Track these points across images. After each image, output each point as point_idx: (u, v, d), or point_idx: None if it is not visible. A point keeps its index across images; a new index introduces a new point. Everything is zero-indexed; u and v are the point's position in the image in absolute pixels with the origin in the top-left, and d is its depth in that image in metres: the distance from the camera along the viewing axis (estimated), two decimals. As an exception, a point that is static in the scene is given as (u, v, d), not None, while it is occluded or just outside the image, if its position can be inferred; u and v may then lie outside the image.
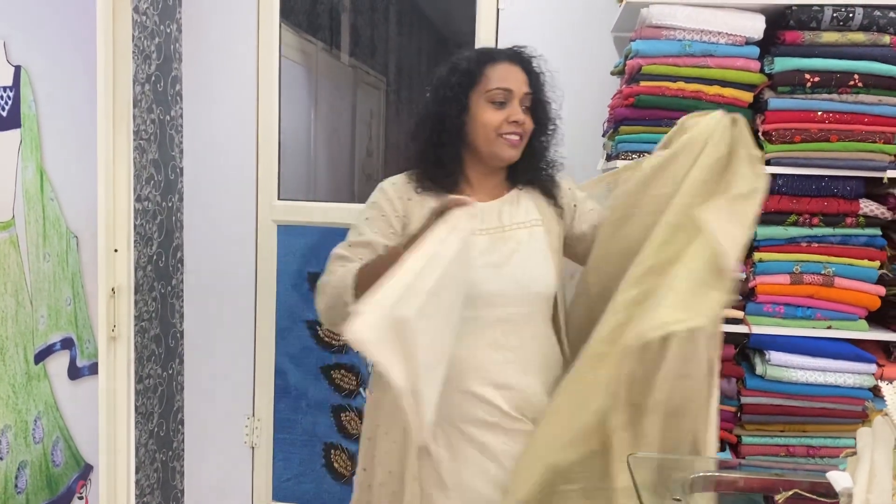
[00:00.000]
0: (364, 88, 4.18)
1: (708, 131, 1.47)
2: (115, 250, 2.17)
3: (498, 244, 1.55)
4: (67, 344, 1.93)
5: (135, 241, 2.31)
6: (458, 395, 1.48)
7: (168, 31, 2.52)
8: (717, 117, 1.49)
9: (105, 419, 2.10)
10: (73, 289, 1.95)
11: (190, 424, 2.76)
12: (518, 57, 1.57)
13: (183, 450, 2.77)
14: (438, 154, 1.56)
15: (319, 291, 1.50)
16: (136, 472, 2.39)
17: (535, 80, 1.57)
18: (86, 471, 2.03)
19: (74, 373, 1.97)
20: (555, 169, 1.67)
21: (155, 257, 2.50)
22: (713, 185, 1.44)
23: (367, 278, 1.33)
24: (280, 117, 2.64)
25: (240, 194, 2.64)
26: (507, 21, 2.45)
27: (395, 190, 1.58)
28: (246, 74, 2.60)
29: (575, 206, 1.68)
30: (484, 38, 2.47)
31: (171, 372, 2.65)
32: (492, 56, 1.56)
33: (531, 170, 1.62)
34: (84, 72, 1.92)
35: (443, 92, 1.55)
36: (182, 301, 2.70)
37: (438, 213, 1.33)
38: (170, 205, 2.59)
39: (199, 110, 2.63)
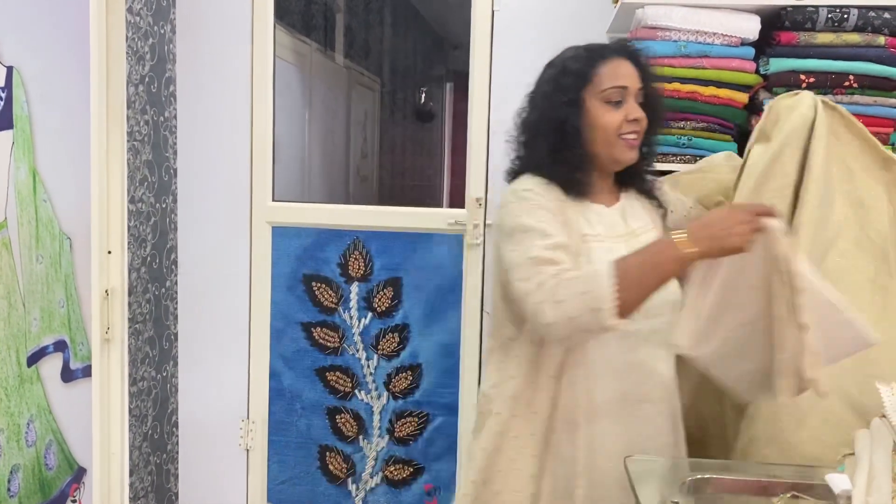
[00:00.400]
0: (358, 90, 4.18)
1: (806, 121, 1.53)
2: (109, 252, 2.16)
3: (634, 249, 1.42)
4: (60, 346, 1.92)
5: (128, 243, 2.30)
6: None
7: (162, 31, 2.51)
8: (809, 103, 1.55)
9: (99, 422, 2.09)
10: (66, 291, 1.94)
11: (184, 427, 2.75)
12: (627, 51, 1.50)
13: (177, 452, 2.75)
14: (564, 160, 1.46)
15: (550, 301, 1.29)
16: (130, 476, 2.38)
17: (645, 73, 1.50)
18: (79, 474, 2.02)
19: (68, 375, 1.96)
20: (655, 172, 1.62)
21: (149, 259, 2.49)
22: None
23: (630, 276, 1.25)
24: (274, 118, 2.63)
25: (234, 195, 2.63)
26: (502, 22, 2.45)
27: (544, 191, 1.46)
28: (240, 75, 2.59)
29: (671, 210, 1.62)
30: (479, 39, 2.46)
31: (165, 374, 2.64)
32: (601, 53, 1.48)
33: (642, 171, 1.56)
34: (77, 72, 1.90)
35: (556, 96, 1.47)
36: (176, 303, 2.69)
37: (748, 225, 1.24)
38: (163, 206, 2.57)
39: (193, 111, 2.62)
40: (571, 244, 1.40)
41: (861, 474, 0.84)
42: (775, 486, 1.07)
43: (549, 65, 1.55)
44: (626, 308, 1.25)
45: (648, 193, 1.59)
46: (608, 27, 2.27)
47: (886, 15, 1.82)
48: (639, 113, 1.45)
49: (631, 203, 1.56)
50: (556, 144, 1.47)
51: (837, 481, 0.89)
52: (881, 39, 1.82)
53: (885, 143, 1.85)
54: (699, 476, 1.13)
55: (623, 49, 1.51)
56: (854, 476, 0.85)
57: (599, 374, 1.42)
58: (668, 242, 1.26)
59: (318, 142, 3.68)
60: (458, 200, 2.55)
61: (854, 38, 1.83)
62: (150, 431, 2.56)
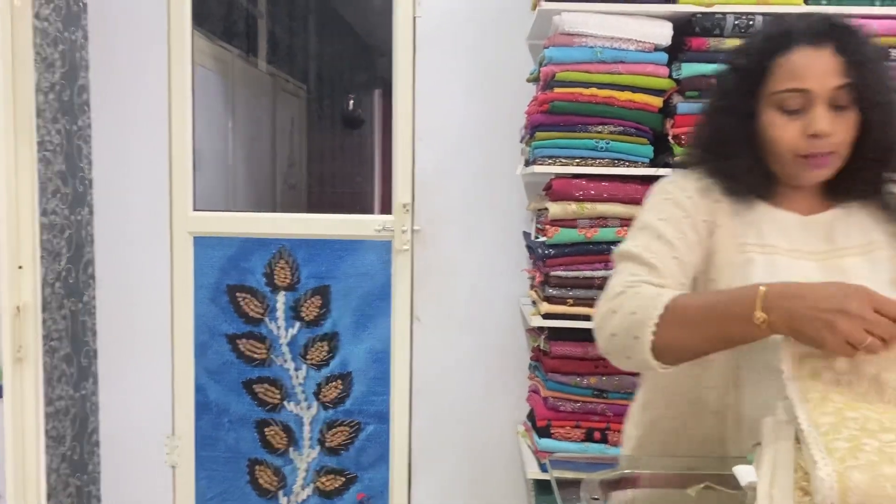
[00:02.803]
0: (284, 96, 4.13)
1: None
2: (20, 267, 2.08)
3: (833, 273, 1.13)
4: (-33, 367, 1.83)
5: (41, 257, 2.21)
6: None
7: (73, 38, 2.43)
8: None
9: (12, 445, 2.00)
10: (-29, 309, 1.85)
11: (106, 446, 2.65)
12: (826, 34, 1.11)
13: (99, 473, 2.66)
14: (728, 168, 1.18)
15: (608, 309, 1.07)
16: (48, 500, 2.28)
17: (855, 62, 1.10)
18: (-10, 501, 1.92)
19: (-25, 398, 1.86)
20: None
21: (64, 273, 2.40)
22: None
23: (686, 315, 0.99)
24: (194, 126, 2.57)
25: (153, 206, 2.56)
26: (424, 29, 2.46)
27: (695, 189, 1.19)
28: (157, 82, 2.53)
29: None
30: (401, 45, 2.46)
31: (84, 392, 2.54)
32: (784, 41, 1.12)
33: (862, 183, 1.17)
34: (-21, 80, 1.82)
35: (721, 100, 1.20)
36: (94, 318, 2.60)
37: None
38: (79, 218, 2.48)
39: (108, 120, 2.54)
40: (695, 253, 1.14)
41: (766, 465, 0.87)
42: (690, 478, 1.10)
43: (728, 53, 1.24)
44: (668, 349, 1.00)
45: (886, 206, 1.19)
46: (528, 34, 2.31)
47: (789, 22, 1.90)
48: (823, 125, 1.08)
49: (849, 215, 1.19)
50: (720, 152, 1.19)
51: (744, 473, 0.92)
52: (784, 45, 1.91)
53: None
54: (618, 472, 1.15)
55: (820, 33, 1.11)
56: (759, 467, 0.88)
57: None
58: (748, 296, 0.95)
59: (243, 150, 3.62)
60: (389, 207, 2.55)
61: (760, 43, 1.91)
62: (68, 453, 2.46)
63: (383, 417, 2.57)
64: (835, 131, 1.09)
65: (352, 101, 4.95)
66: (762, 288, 0.93)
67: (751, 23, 1.89)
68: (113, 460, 2.66)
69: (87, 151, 2.53)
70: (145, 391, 2.62)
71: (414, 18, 2.45)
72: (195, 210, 2.58)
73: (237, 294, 2.57)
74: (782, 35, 1.13)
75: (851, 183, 1.17)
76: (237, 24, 3.57)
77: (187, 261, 2.57)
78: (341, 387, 2.58)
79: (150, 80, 2.53)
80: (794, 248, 1.16)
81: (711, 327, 0.98)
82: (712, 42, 1.92)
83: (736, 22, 1.89)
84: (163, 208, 2.57)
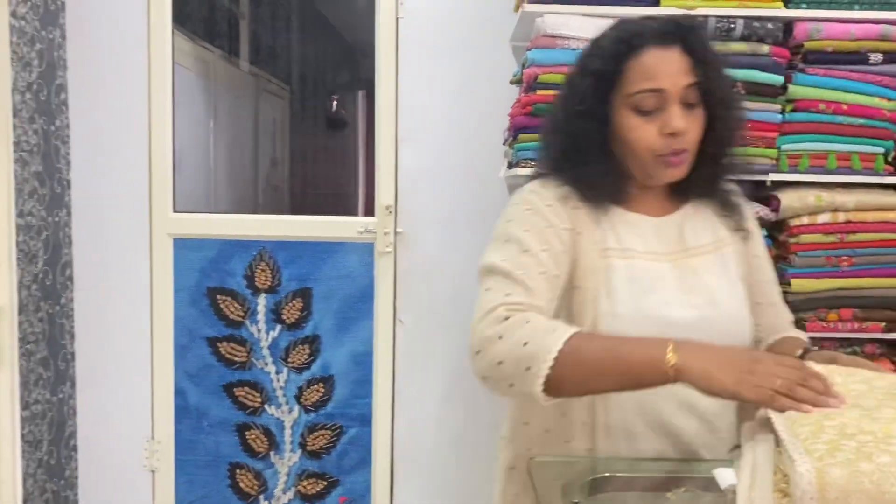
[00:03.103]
0: (266, 97, 4.10)
1: None
2: (-6, 269, 2.05)
3: (686, 273, 1.18)
4: (-61, 371, 1.80)
5: (18, 259, 2.18)
6: None
7: (51, 37, 2.39)
8: None
9: (-14, 450, 1.97)
10: (-55, 312, 1.82)
11: (84, 451, 2.62)
12: (673, 34, 1.14)
13: (77, 478, 2.62)
14: (585, 174, 1.19)
15: (494, 333, 1.04)
16: (24, 505, 2.25)
17: (701, 61, 1.13)
18: (-36, 507, 1.89)
19: (-52, 402, 1.83)
20: (736, 176, 1.27)
21: (41, 275, 2.37)
22: None
23: (586, 353, 0.99)
24: (174, 126, 2.55)
25: (132, 207, 2.53)
26: (407, 30, 2.45)
27: (554, 197, 1.20)
28: (136, 82, 2.50)
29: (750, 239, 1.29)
30: (384, 46, 2.45)
31: (61, 396, 2.51)
32: (635, 42, 1.13)
33: (703, 180, 1.21)
34: (-47, 79, 1.79)
35: (573, 102, 1.19)
36: (72, 321, 2.57)
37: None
38: (56, 220, 2.45)
39: (87, 120, 2.51)
40: (561, 265, 1.15)
41: (746, 468, 0.87)
42: (671, 481, 1.10)
43: (579, 56, 1.24)
44: (560, 386, 0.99)
45: (725, 206, 1.25)
46: (511, 36, 2.30)
47: (769, 25, 1.90)
48: (679, 124, 1.11)
49: (696, 214, 1.24)
50: (574, 157, 1.19)
51: (724, 475, 0.92)
52: (765, 48, 1.91)
53: (771, 146, 1.95)
54: (599, 475, 1.15)
55: (668, 33, 1.14)
56: (739, 471, 0.88)
57: None
58: (657, 343, 0.96)
59: (224, 151, 3.59)
60: (373, 209, 2.54)
61: (741, 46, 1.92)
62: (45, 457, 2.42)
63: (365, 421, 2.56)
64: (689, 129, 1.13)
65: (335, 103, 4.92)
66: (672, 340, 0.96)
67: (732, 26, 1.89)
68: (91, 465, 2.62)
69: (65, 152, 2.50)
70: (124, 395, 2.59)
71: (397, 19, 2.44)
72: (175, 211, 2.55)
73: (217, 296, 2.55)
74: (633, 37, 1.14)
75: (695, 181, 1.20)
76: (219, 24, 3.54)
77: (167, 263, 2.54)
78: (323, 390, 2.56)
79: (129, 80, 2.51)
80: (650, 250, 1.19)
81: (613, 370, 0.99)
82: (694, 45, 1.92)
83: (717, 25, 1.90)
84: (142, 210, 2.54)
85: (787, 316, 1.38)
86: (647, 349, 0.97)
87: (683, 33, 1.15)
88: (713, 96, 1.15)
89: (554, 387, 0.99)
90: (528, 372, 0.99)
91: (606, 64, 1.15)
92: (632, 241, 1.19)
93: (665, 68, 1.12)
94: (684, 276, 1.18)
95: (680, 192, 1.24)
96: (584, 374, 1.00)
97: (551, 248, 1.14)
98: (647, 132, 1.13)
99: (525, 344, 1.00)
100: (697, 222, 1.23)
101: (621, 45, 1.14)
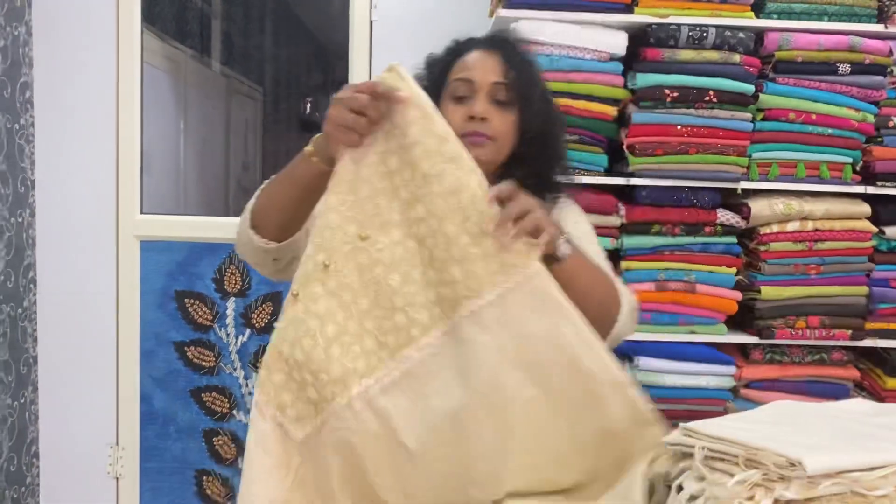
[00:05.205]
0: (238, 98, 4.06)
1: None
2: (-47, 271, 1.99)
3: None
4: None
5: (-22, 261, 2.12)
6: None
7: (16, 33, 2.34)
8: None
9: (-58, 457, 1.91)
10: None
11: (46, 457, 2.56)
12: (495, 42, 1.34)
13: (38, 485, 2.56)
14: None
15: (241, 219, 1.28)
16: (-18, 514, 2.19)
17: (514, 67, 1.29)
18: (-82, 516, 1.83)
19: None
20: (556, 188, 1.36)
21: (2, 277, 2.31)
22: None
23: (274, 181, 1.20)
24: (142, 127, 2.51)
25: (98, 208, 2.48)
26: (381, 32, 2.44)
27: None
28: (104, 81, 2.46)
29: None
30: (357, 48, 2.44)
31: (23, 401, 2.45)
32: (465, 46, 1.33)
33: (527, 186, 1.21)
34: (-89, 75, 1.74)
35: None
36: (35, 324, 2.51)
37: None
38: (20, 220, 2.39)
39: (52, 119, 2.46)
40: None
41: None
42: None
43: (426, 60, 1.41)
44: (263, 214, 1.21)
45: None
46: (485, 40, 2.30)
47: (741, 35, 1.92)
48: (480, 108, 1.25)
49: None
50: None
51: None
52: (737, 57, 1.93)
53: (741, 154, 1.96)
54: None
55: (489, 40, 1.35)
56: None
57: None
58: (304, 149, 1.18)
59: (194, 152, 3.54)
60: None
61: (713, 55, 1.93)
62: (5, 464, 2.36)
63: (336, 426, 2.53)
64: (492, 118, 1.26)
65: (309, 104, 4.89)
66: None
67: (704, 34, 1.91)
68: (53, 472, 2.56)
69: (30, 151, 2.45)
70: (88, 400, 2.53)
71: (371, 22, 2.43)
72: (143, 213, 2.51)
73: (185, 300, 2.50)
74: (464, 42, 1.35)
75: (514, 180, 1.26)
76: (190, 24, 3.50)
77: (133, 265, 2.50)
78: (293, 395, 2.52)
79: (97, 79, 2.46)
80: None
81: (283, 179, 1.19)
82: (667, 53, 1.93)
83: (690, 33, 1.91)
84: (108, 211, 2.49)
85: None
86: (299, 156, 1.17)
87: (505, 44, 1.34)
88: (523, 98, 1.29)
89: (257, 218, 1.22)
90: (243, 220, 1.24)
91: (441, 61, 1.34)
92: None
93: (479, 65, 1.28)
94: None
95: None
96: (267, 194, 1.21)
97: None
98: (455, 114, 1.26)
99: (244, 211, 1.25)
100: None
101: (455, 47, 1.35)
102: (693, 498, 0.82)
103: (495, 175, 1.27)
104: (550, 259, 1.08)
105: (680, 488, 0.87)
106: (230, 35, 3.96)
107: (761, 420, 0.95)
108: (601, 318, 1.16)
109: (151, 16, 2.66)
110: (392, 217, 1.10)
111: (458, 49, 1.33)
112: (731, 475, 0.79)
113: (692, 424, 0.90)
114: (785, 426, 0.90)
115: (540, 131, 1.31)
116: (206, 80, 3.65)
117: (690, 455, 0.87)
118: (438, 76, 1.32)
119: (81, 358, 2.52)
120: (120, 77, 2.46)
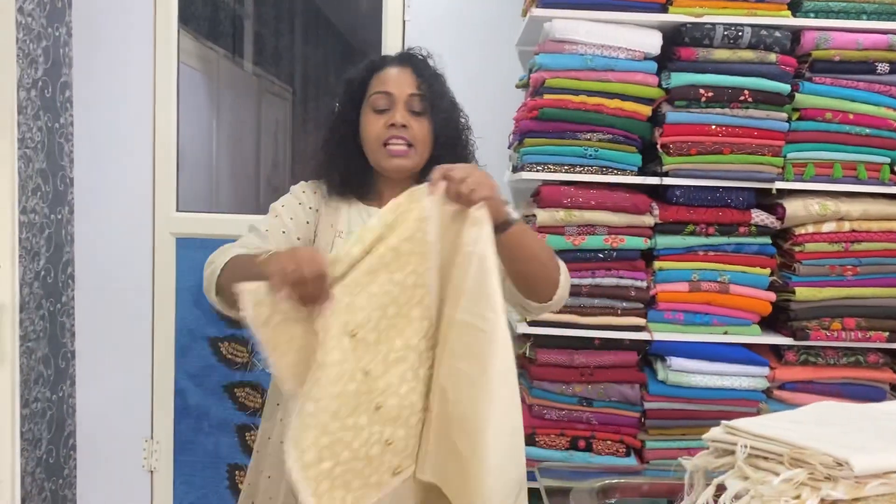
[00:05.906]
0: (269, 98, 4.10)
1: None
2: (-3, 266, 2.04)
3: None
4: (-59, 368, 1.79)
5: (20, 256, 2.17)
6: None
7: (57, 34, 2.39)
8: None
9: (-15, 448, 1.95)
10: (-53, 308, 1.81)
11: (83, 450, 2.61)
12: (407, 58, 1.49)
13: (75, 477, 2.61)
14: (343, 167, 1.47)
15: (209, 260, 1.37)
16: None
17: (426, 80, 1.45)
18: (-37, 505, 1.88)
19: (-50, 399, 1.82)
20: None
21: (43, 273, 2.36)
22: None
23: (234, 274, 1.26)
24: (178, 126, 2.55)
25: (135, 206, 2.53)
26: (413, 33, 2.45)
27: (309, 187, 1.51)
28: (142, 81, 2.50)
29: None
30: (390, 48, 2.45)
31: (61, 395, 2.50)
32: (381, 63, 1.49)
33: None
34: (-40, 75, 1.79)
35: (339, 107, 1.50)
36: (73, 319, 2.56)
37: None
38: (59, 217, 2.44)
39: (91, 118, 2.51)
40: (301, 230, 1.45)
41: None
42: (681, 487, 1.10)
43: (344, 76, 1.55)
44: (227, 287, 1.25)
45: None
46: (517, 40, 2.30)
47: (777, 34, 1.91)
48: (398, 117, 1.40)
49: None
50: (337, 153, 1.48)
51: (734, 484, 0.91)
52: (772, 56, 1.92)
53: (776, 154, 1.95)
54: (607, 481, 1.15)
55: (403, 56, 1.50)
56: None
57: None
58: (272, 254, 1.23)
59: (227, 151, 3.58)
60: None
61: (748, 54, 1.92)
62: (44, 456, 2.41)
63: (366, 423, 2.55)
64: (411, 126, 1.41)
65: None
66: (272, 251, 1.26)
67: (740, 34, 1.90)
68: (90, 464, 2.61)
69: (69, 150, 2.50)
70: (124, 394, 2.58)
71: (403, 22, 2.45)
72: (178, 211, 2.55)
73: (220, 296, 2.54)
74: (379, 60, 1.50)
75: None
76: (223, 25, 3.54)
77: (169, 262, 2.54)
78: (324, 392, 2.55)
79: (134, 79, 2.50)
80: None
81: (247, 270, 1.23)
82: (701, 52, 1.92)
83: (725, 32, 1.90)
84: (145, 209, 2.54)
85: None
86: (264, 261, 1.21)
87: (416, 59, 1.48)
88: (435, 107, 1.43)
89: (221, 290, 1.31)
90: (211, 279, 1.32)
91: (359, 78, 1.47)
92: (356, 226, 1.44)
93: (395, 79, 1.44)
94: None
95: None
96: (231, 277, 1.26)
97: (297, 217, 1.46)
98: (376, 124, 1.42)
99: (211, 263, 1.34)
100: None
101: (370, 65, 1.48)
102: (737, 497, 0.83)
103: (414, 179, 1.43)
104: (504, 225, 1.21)
105: (720, 488, 0.87)
106: (262, 36, 4.00)
107: (803, 420, 0.95)
108: (546, 279, 1.31)
109: (186, 16, 2.69)
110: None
111: (374, 66, 1.48)
112: (776, 474, 0.79)
113: (734, 422, 0.90)
114: (829, 426, 0.90)
115: (451, 136, 1.47)
116: (238, 79, 3.69)
117: (731, 452, 0.87)
118: (357, 90, 1.46)
119: (118, 352, 2.57)
120: (157, 76, 2.51)
